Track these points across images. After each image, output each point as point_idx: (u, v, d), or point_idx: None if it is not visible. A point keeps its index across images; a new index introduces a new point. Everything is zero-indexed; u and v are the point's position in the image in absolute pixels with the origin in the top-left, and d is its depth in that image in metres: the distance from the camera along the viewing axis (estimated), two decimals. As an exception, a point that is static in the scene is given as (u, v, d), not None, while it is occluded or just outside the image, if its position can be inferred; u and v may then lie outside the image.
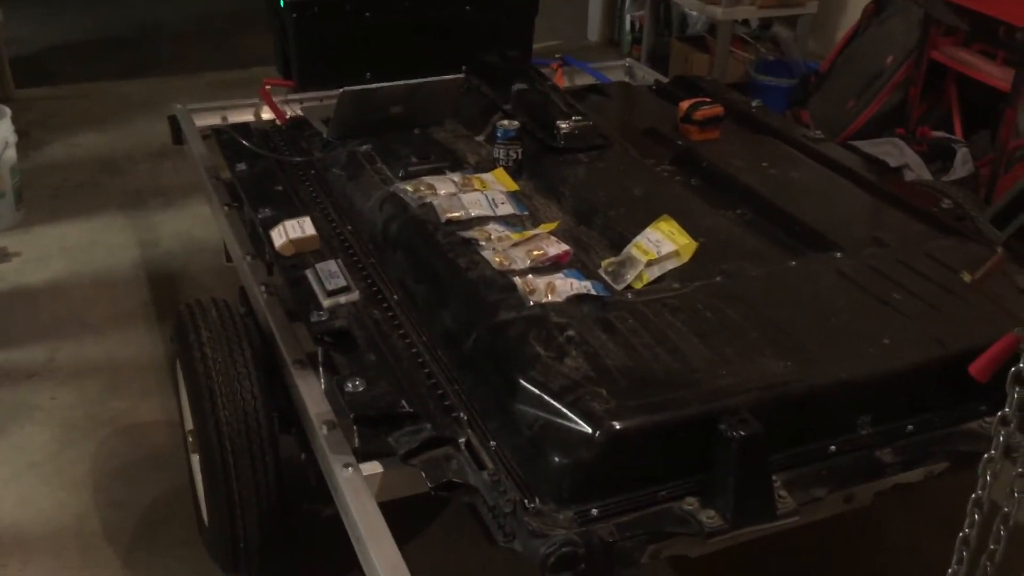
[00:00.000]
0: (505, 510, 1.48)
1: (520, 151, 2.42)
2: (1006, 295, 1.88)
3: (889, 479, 1.64)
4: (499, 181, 2.31)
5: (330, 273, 1.99)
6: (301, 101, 3.08)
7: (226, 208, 2.60)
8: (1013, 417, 1.25)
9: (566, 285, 1.85)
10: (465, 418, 1.66)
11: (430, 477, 1.56)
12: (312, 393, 1.89)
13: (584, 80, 3.52)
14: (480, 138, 2.64)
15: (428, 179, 2.28)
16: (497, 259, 1.94)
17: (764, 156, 2.50)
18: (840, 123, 3.98)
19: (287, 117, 2.96)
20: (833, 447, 1.62)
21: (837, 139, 3.31)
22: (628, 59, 3.83)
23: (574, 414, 1.51)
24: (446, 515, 2.36)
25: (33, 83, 5.11)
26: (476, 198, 2.18)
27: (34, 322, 3.16)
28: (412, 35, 3.21)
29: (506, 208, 2.17)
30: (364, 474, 1.71)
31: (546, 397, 1.56)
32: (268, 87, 3.05)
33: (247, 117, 3.09)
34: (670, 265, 1.95)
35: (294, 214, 2.22)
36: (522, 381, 1.60)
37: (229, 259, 2.69)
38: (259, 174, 2.54)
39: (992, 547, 1.29)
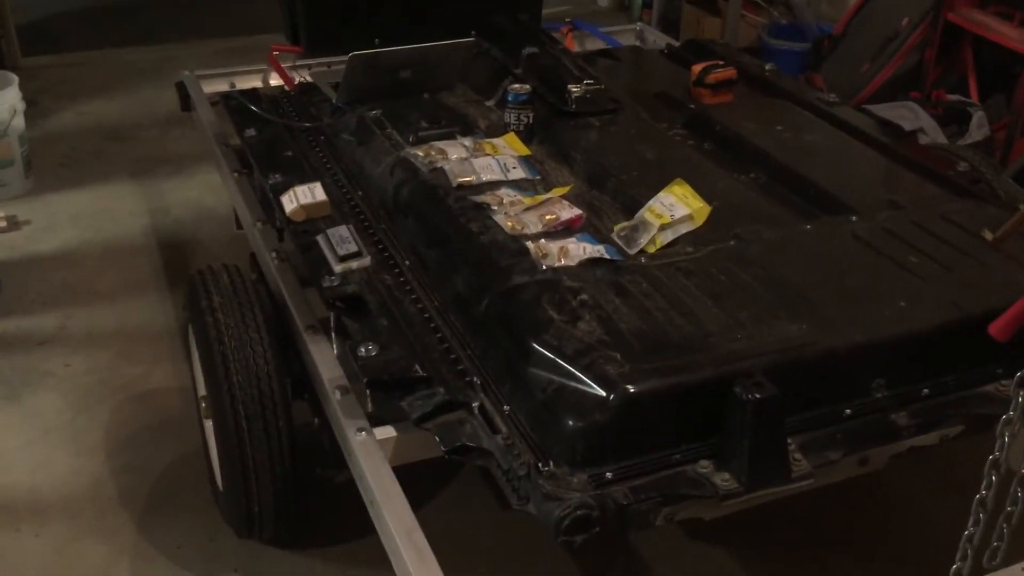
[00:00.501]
0: (519, 473, 1.48)
1: (531, 115, 2.40)
2: (1025, 256, 1.86)
3: (904, 442, 1.64)
4: (510, 146, 2.29)
5: (341, 238, 1.98)
6: (310, 67, 3.06)
7: (236, 174, 2.59)
8: (1032, 378, 1.24)
9: (579, 249, 1.84)
10: (478, 382, 1.66)
11: (444, 441, 1.56)
12: (325, 358, 1.89)
13: (595, 45, 3.48)
14: (491, 103, 2.62)
15: (439, 144, 2.26)
16: (509, 223, 1.93)
17: (778, 119, 2.47)
18: (854, 87, 3.94)
19: (296, 83, 2.94)
20: (848, 410, 1.62)
21: (851, 103, 3.27)
22: (639, 23, 3.79)
23: (588, 378, 1.51)
24: (459, 479, 2.36)
25: (40, 51, 5.08)
26: (487, 163, 2.16)
27: (45, 290, 3.16)
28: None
29: (518, 173, 2.15)
30: (378, 438, 1.71)
31: (560, 361, 1.55)
32: (276, 53, 3.03)
33: (255, 83, 3.07)
34: (683, 229, 1.93)
35: (304, 180, 2.20)
36: (535, 345, 1.59)
37: (239, 226, 2.68)
38: (269, 140, 2.53)
39: (1009, 509, 1.29)
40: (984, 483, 1.28)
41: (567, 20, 3.59)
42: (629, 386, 1.49)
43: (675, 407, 1.52)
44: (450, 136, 2.33)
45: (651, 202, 1.97)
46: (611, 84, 2.60)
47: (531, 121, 2.39)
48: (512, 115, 2.39)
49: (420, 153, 2.22)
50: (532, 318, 1.66)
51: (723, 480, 1.48)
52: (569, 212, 1.97)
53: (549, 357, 1.56)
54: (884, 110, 3.41)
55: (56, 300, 3.11)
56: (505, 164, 2.16)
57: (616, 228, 1.96)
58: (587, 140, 2.36)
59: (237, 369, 1.89)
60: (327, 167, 2.41)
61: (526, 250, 1.84)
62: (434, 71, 2.65)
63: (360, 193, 2.27)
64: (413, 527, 1.51)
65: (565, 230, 1.94)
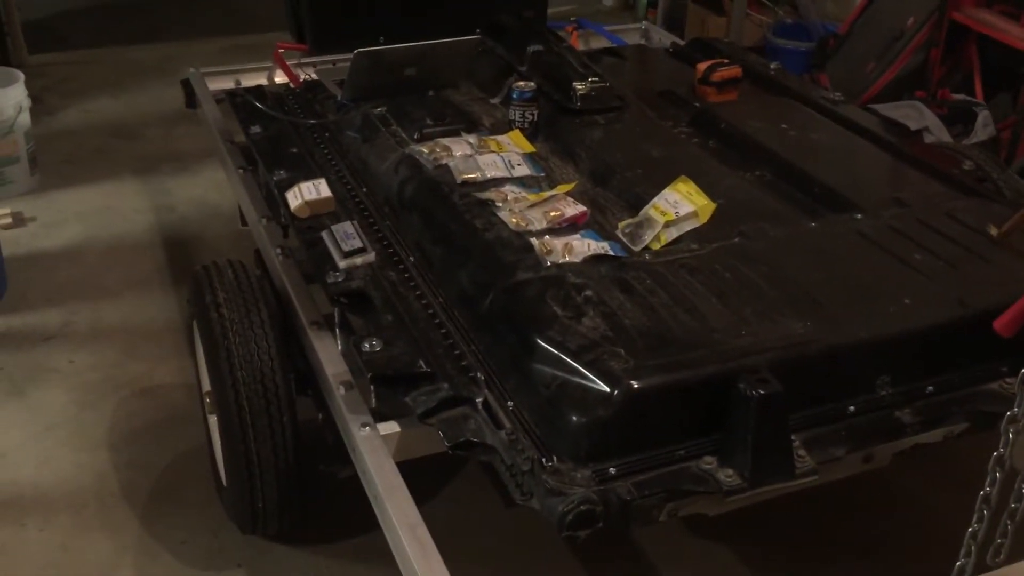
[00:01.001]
0: (523, 468, 1.48)
1: (536, 113, 2.40)
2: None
3: (908, 439, 1.64)
4: (515, 143, 2.29)
5: (346, 234, 1.98)
6: (314, 64, 3.06)
7: (241, 171, 2.60)
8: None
9: (583, 246, 1.84)
10: (482, 378, 1.66)
11: (447, 436, 1.56)
12: (329, 354, 1.90)
13: (599, 43, 3.49)
14: (495, 100, 2.62)
15: (444, 141, 2.27)
16: (514, 220, 1.93)
17: (783, 117, 2.47)
18: (859, 86, 3.94)
19: (301, 80, 2.94)
20: (852, 407, 1.62)
21: (856, 102, 3.27)
22: (644, 22, 3.79)
23: (592, 373, 1.51)
24: (463, 475, 2.37)
25: (45, 49, 5.09)
26: (492, 159, 2.16)
27: (50, 286, 3.17)
28: (426, -3, 3.18)
29: (522, 169, 2.15)
30: (381, 434, 1.71)
31: (564, 356, 1.55)
32: (281, 51, 3.03)
33: (260, 81, 3.07)
34: (688, 226, 1.93)
35: (309, 176, 2.20)
36: (540, 341, 1.59)
37: (244, 223, 2.69)
38: (274, 137, 2.53)
39: (1013, 505, 1.29)
40: (988, 480, 1.28)
41: (572, 19, 3.59)
42: (633, 382, 1.49)
43: (679, 403, 1.52)
44: (455, 133, 2.34)
45: (656, 199, 1.97)
46: (616, 82, 2.60)
47: (536, 118, 2.40)
48: (517, 112, 2.39)
49: (425, 150, 2.22)
50: (536, 314, 1.66)
51: (727, 476, 1.48)
52: (574, 209, 1.97)
53: (553, 353, 1.56)
54: (889, 109, 3.41)
55: (61, 296, 3.12)
56: (510, 161, 2.17)
57: (620, 225, 1.96)
58: (592, 137, 2.36)
59: (241, 364, 1.89)
60: (332, 164, 2.41)
61: (530, 246, 1.84)
62: (439, 68, 2.65)
63: (365, 190, 2.28)
64: (417, 522, 1.51)
65: (569, 227, 1.94)
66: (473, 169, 2.12)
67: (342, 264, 1.93)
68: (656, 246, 1.89)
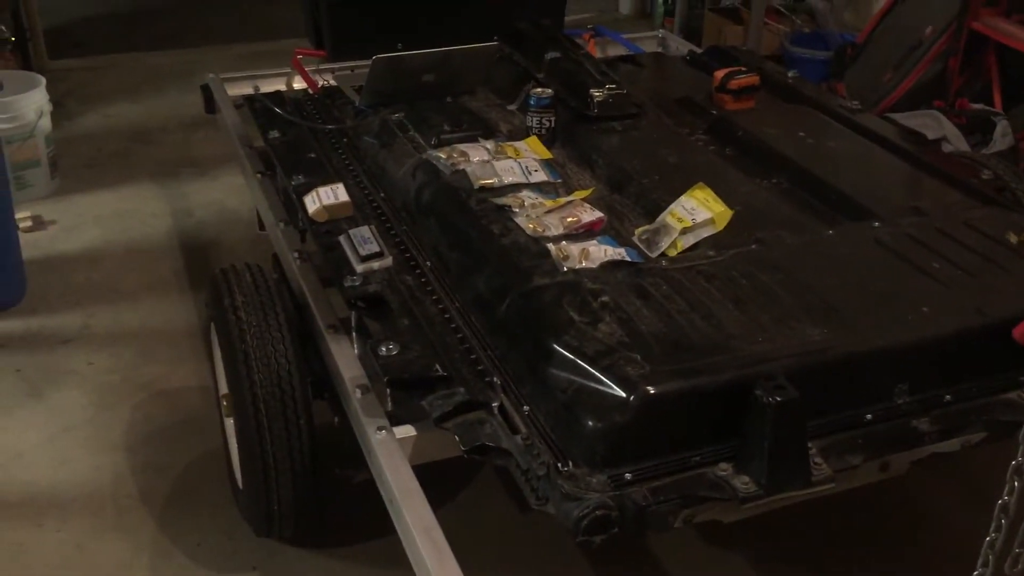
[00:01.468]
0: (538, 473, 1.48)
1: (553, 119, 2.40)
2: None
3: (926, 448, 1.63)
4: (532, 149, 2.29)
5: (363, 239, 1.99)
6: (333, 70, 3.08)
7: (259, 176, 2.61)
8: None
9: (600, 252, 1.85)
10: (498, 383, 1.66)
11: (463, 440, 1.57)
12: (346, 357, 1.90)
13: (616, 51, 3.49)
14: (513, 107, 2.63)
15: (461, 146, 2.27)
16: (531, 226, 1.94)
17: (800, 126, 2.47)
18: (877, 95, 3.93)
19: (319, 86, 2.96)
20: (869, 415, 1.61)
21: (874, 111, 3.26)
22: (661, 30, 3.80)
23: (608, 379, 1.51)
24: (478, 480, 2.37)
25: (66, 54, 5.14)
26: (509, 165, 2.17)
27: (69, 289, 3.20)
28: (444, 4, 3.19)
29: (539, 176, 2.16)
30: (397, 437, 1.71)
31: (580, 362, 1.55)
32: (300, 57, 3.05)
33: (279, 87, 3.10)
34: (705, 233, 1.93)
35: (327, 181, 2.22)
36: (556, 346, 1.59)
37: (262, 227, 2.71)
38: (292, 142, 2.55)
39: (1032, 515, 1.28)
40: (1006, 489, 1.27)
41: (589, 26, 3.60)
42: (649, 387, 1.48)
43: (695, 409, 1.52)
44: (472, 139, 2.34)
45: (672, 206, 1.97)
46: (633, 89, 2.61)
47: (553, 125, 2.40)
48: (534, 119, 2.40)
49: (442, 155, 2.23)
50: (553, 319, 1.66)
51: (743, 483, 1.47)
52: (590, 215, 1.97)
53: (569, 358, 1.57)
54: (907, 119, 3.40)
55: (80, 299, 3.14)
56: (527, 167, 2.17)
57: (637, 232, 1.96)
58: (609, 144, 2.36)
59: (259, 367, 1.90)
60: (350, 169, 2.43)
61: (547, 252, 1.85)
62: (457, 75, 2.67)
63: (382, 194, 2.29)
64: (432, 525, 1.51)
65: (586, 233, 1.94)
66: (490, 175, 2.13)
67: (359, 268, 1.94)
68: (673, 252, 1.89)
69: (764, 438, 1.46)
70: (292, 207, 2.32)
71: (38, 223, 3.55)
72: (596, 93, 2.49)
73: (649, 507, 1.43)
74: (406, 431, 1.74)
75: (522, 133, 2.41)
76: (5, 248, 3.07)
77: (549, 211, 1.99)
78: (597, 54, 3.35)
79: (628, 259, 1.83)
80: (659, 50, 3.54)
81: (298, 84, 3.07)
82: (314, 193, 2.15)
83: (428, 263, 2.00)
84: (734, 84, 2.68)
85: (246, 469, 2.02)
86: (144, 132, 4.33)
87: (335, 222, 2.11)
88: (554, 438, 1.53)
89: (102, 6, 5.91)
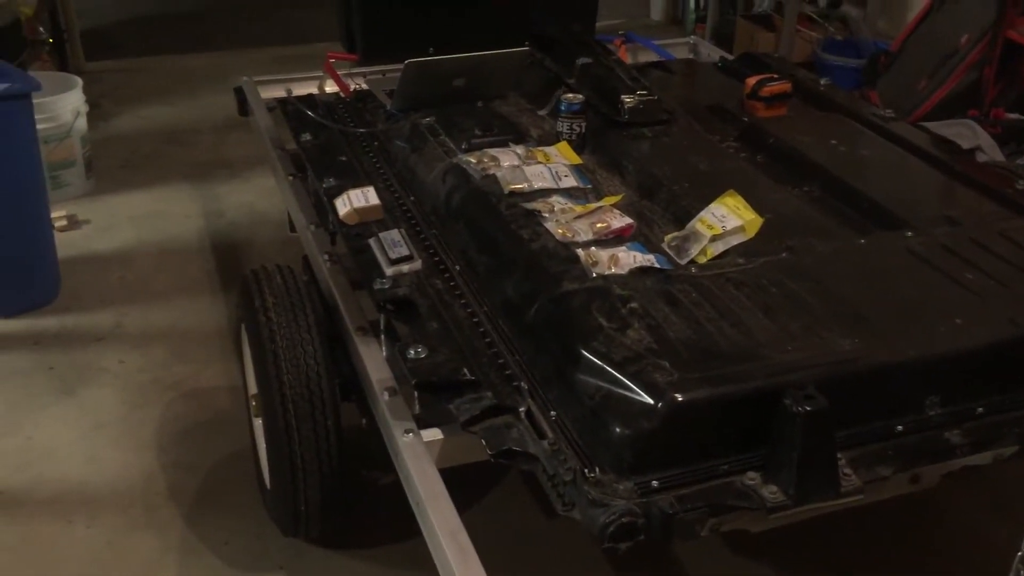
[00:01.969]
0: (565, 479, 1.48)
1: (584, 125, 2.40)
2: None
3: (957, 461, 1.61)
4: (562, 154, 2.30)
5: (393, 242, 2.00)
6: (365, 75, 3.10)
7: (290, 178, 2.64)
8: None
9: (629, 258, 1.84)
10: (526, 387, 1.66)
11: (490, 445, 1.56)
12: (374, 360, 1.91)
13: (648, 57, 3.49)
14: (543, 112, 2.63)
15: (491, 151, 2.28)
16: (560, 231, 1.94)
17: (833, 133, 2.45)
18: (910, 104, 3.89)
19: (351, 90, 2.98)
20: (900, 426, 1.59)
21: (908, 120, 3.23)
22: (693, 36, 3.78)
23: (636, 385, 1.51)
24: (504, 484, 2.37)
25: (103, 56, 5.22)
26: (539, 170, 2.17)
27: (102, 288, 3.24)
28: (476, 9, 3.20)
29: (569, 181, 2.16)
30: (425, 440, 1.72)
31: (608, 368, 1.55)
32: (332, 60, 3.07)
33: (311, 90, 3.12)
34: (735, 240, 1.92)
35: (358, 184, 2.23)
36: (584, 351, 1.59)
37: (292, 229, 2.72)
38: (324, 145, 2.57)
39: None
40: None
41: (620, 32, 3.60)
42: (677, 395, 1.48)
43: (723, 417, 1.51)
44: (502, 144, 2.35)
45: (702, 213, 1.97)
46: (664, 95, 2.60)
47: (583, 130, 2.40)
48: (564, 124, 2.40)
49: (472, 160, 2.23)
50: (581, 325, 1.66)
51: (771, 492, 1.46)
52: (620, 221, 1.97)
53: (597, 364, 1.56)
54: (941, 127, 3.35)
55: (113, 298, 3.18)
56: (557, 172, 2.17)
57: (667, 238, 1.95)
58: (639, 150, 2.36)
59: (288, 368, 1.91)
60: (380, 172, 2.44)
61: (576, 257, 1.85)
62: (488, 80, 2.67)
63: (412, 198, 2.30)
64: (458, 529, 1.52)
65: (615, 239, 1.94)
66: (520, 180, 2.13)
67: (389, 271, 1.95)
68: (702, 260, 1.89)
69: (793, 448, 1.45)
70: (323, 210, 2.34)
71: (73, 222, 3.60)
72: (627, 99, 2.48)
73: (676, 515, 1.42)
74: (433, 434, 1.74)
75: (552, 138, 2.41)
76: (40, 247, 3.12)
77: (579, 216, 1.99)
78: (628, 60, 3.35)
79: (657, 265, 1.82)
80: (690, 56, 3.53)
81: (330, 88, 3.09)
82: (345, 196, 2.16)
83: (457, 267, 2.01)
84: (766, 91, 2.67)
85: (274, 469, 2.04)
86: (178, 133, 4.38)
87: (365, 225, 2.12)
88: (581, 444, 1.53)
89: (138, 9, 5.99)
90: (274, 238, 3.47)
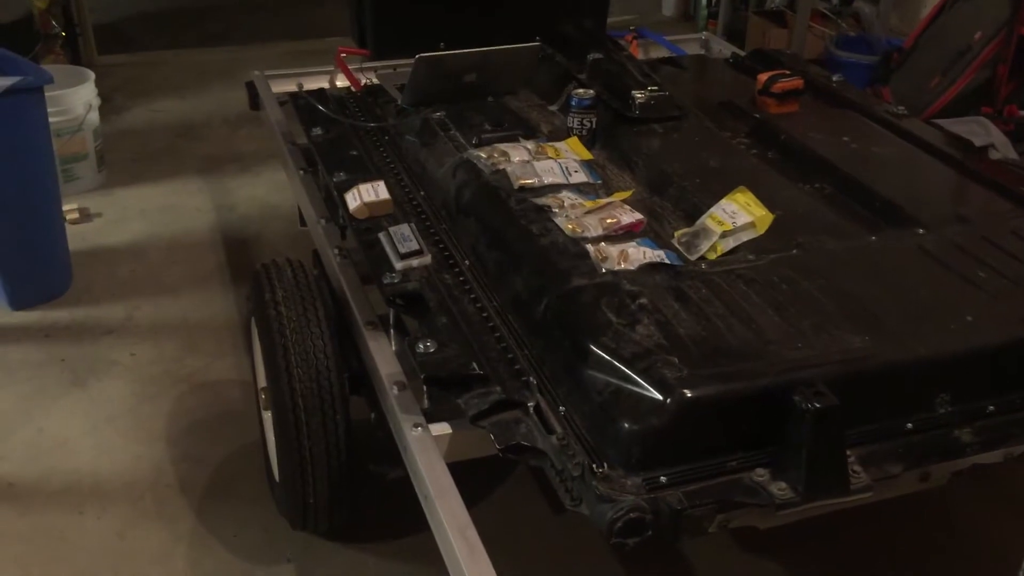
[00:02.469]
0: (573, 474, 1.48)
1: (594, 120, 2.40)
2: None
3: (967, 459, 1.60)
4: (573, 150, 2.29)
5: (403, 236, 2.00)
6: (375, 69, 3.10)
7: (301, 172, 2.64)
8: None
9: (639, 253, 1.84)
10: (535, 383, 1.66)
11: (498, 439, 1.57)
12: (383, 354, 1.91)
13: (659, 53, 3.48)
14: (554, 108, 2.63)
15: (501, 146, 2.28)
16: (570, 226, 1.93)
17: (844, 130, 2.44)
18: (923, 101, 3.87)
19: (362, 84, 2.98)
20: (910, 424, 1.59)
21: (920, 117, 3.22)
22: (704, 32, 3.77)
23: (645, 381, 1.51)
24: (513, 479, 2.37)
25: (115, 50, 5.23)
26: (549, 166, 2.17)
27: (114, 281, 3.25)
28: (487, 4, 3.20)
29: (579, 176, 2.16)
30: (433, 435, 1.72)
31: (617, 363, 1.55)
32: (343, 55, 3.07)
33: (322, 84, 3.12)
34: (745, 237, 1.92)
35: (368, 179, 2.23)
36: (593, 347, 1.59)
37: (303, 223, 2.73)
38: (334, 139, 2.57)
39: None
40: None
41: (632, 28, 3.59)
42: (686, 391, 1.48)
43: (732, 414, 1.51)
44: (513, 139, 2.35)
45: (713, 209, 1.96)
46: (675, 91, 2.59)
47: (594, 126, 2.40)
48: (575, 120, 2.39)
49: (483, 155, 2.23)
50: (590, 320, 1.66)
51: (779, 489, 1.46)
52: (630, 217, 1.96)
53: (606, 359, 1.57)
54: (954, 125, 3.34)
55: (124, 291, 3.19)
56: (567, 168, 2.17)
57: (677, 234, 1.95)
58: (650, 146, 2.35)
59: (298, 362, 1.92)
60: (391, 167, 2.44)
61: (586, 253, 1.85)
62: (498, 75, 2.67)
63: (422, 193, 2.30)
64: (466, 524, 1.52)
65: (625, 234, 1.93)
66: (530, 175, 2.13)
67: (398, 266, 1.95)
68: (712, 256, 1.88)
69: (802, 445, 1.45)
70: (333, 204, 2.34)
71: (84, 215, 3.62)
72: (638, 95, 2.48)
73: (684, 511, 1.42)
74: (442, 428, 1.75)
75: (563, 134, 2.41)
76: (52, 239, 3.13)
77: (588, 212, 1.99)
78: (639, 56, 3.34)
79: (667, 261, 1.82)
80: (702, 52, 3.52)
81: (341, 82, 3.09)
82: (355, 190, 2.17)
83: (467, 262, 2.01)
84: (777, 87, 2.66)
85: (283, 462, 2.04)
86: (189, 128, 4.39)
87: (375, 219, 2.12)
88: (589, 439, 1.53)
89: (150, 4, 6.00)
90: (284, 232, 3.48)
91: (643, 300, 1.69)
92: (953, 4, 3.99)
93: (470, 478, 1.70)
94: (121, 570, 2.17)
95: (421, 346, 1.72)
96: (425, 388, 1.71)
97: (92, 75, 3.80)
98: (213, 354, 2.88)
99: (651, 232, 1.96)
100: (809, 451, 1.44)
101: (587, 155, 2.28)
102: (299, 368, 1.91)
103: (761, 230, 1.93)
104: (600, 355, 1.58)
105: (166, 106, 4.63)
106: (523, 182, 2.11)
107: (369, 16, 3.17)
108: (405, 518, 2.13)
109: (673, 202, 2.11)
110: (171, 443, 2.54)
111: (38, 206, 3.04)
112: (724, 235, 1.90)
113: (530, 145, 2.29)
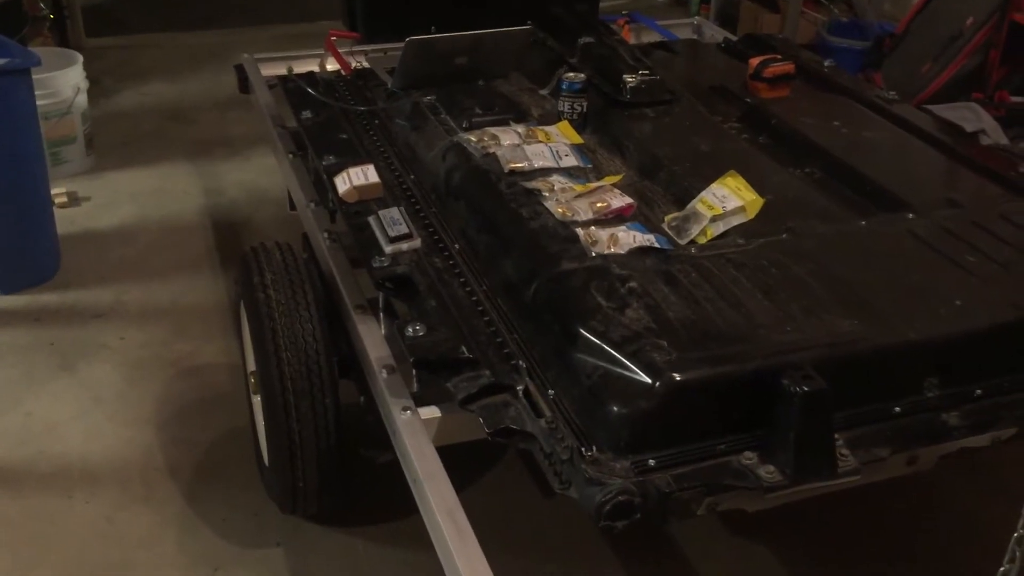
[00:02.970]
0: (562, 457, 1.48)
1: (585, 104, 2.39)
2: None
3: (955, 443, 1.61)
4: (563, 134, 2.29)
5: (393, 220, 2.00)
6: (366, 52, 3.08)
7: (291, 156, 2.63)
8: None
9: (629, 237, 1.84)
10: (524, 366, 1.66)
11: (487, 423, 1.57)
12: (372, 337, 1.91)
13: (651, 38, 3.46)
14: (545, 91, 2.62)
15: (492, 130, 2.27)
16: (560, 210, 1.93)
17: (835, 115, 2.44)
18: (915, 86, 3.87)
19: (352, 68, 2.97)
20: (898, 408, 1.59)
21: (912, 103, 3.22)
22: (697, 17, 3.76)
23: (634, 364, 1.51)
24: (502, 463, 2.37)
25: (104, 33, 5.19)
26: (540, 150, 2.16)
27: (103, 265, 3.24)
28: (479, -13, 3.18)
29: (570, 160, 2.15)
30: (422, 418, 1.72)
31: (606, 347, 1.55)
32: (334, 38, 3.05)
33: (312, 68, 3.09)
34: (735, 221, 1.92)
35: (358, 162, 2.22)
36: (583, 331, 1.59)
37: (292, 207, 2.72)
38: (324, 122, 2.56)
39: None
40: (1021, 522, 1.25)
41: (624, 12, 3.58)
42: (675, 374, 1.48)
43: (721, 397, 1.51)
44: (503, 123, 2.34)
45: (703, 193, 1.96)
46: (667, 75, 2.59)
47: (584, 110, 2.39)
48: (566, 103, 2.39)
49: (473, 138, 2.23)
50: (580, 304, 1.66)
51: (767, 472, 1.46)
52: (620, 200, 1.96)
53: (596, 343, 1.56)
54: (945, 110, 3.35)
55: (113, 275, 3.18)
56: (557, 151, 2.17)
57: (667, 218, 1.95)
58: (640, 130, 2.35)
59: (286, 345, 1.91)
60: (381, 150, 2.43)
61: (576, 237, 1.84)
62: (489, 58, 2.66)
63: (412, 176, 2.29)
64: (455, 506, 1.52)
65: (615, 218, 1.93)
66: (520, 159, 2.13)
67: (388, 249, 1.95)
68: (702, 240, 1.88)
69: (790, 428, 1.45)
70: (323, 187, 2.33)
71: (73, 199, 3.59)
72: (629, 79, 2.47)
73: (672, 494, 1.42)
74: (431, 412, 1.75)
75: (553, 118, 2.40)
76: (40, 223, 3.12)
77: (579, 196, 1.98)
78: (631, 40, 3.33)
79: (657, 245, 1.82)
80: (694, 37, 3.50)
81: (331, 65, 3.08)
82: (345, 174, 2.16)
83: (456, 245, 2.00)
84: (769, 72, 2.66)
85: (272, 446, 2.04)
86: (179, 111, 4.37)
87: (365, 203, 2.11)
88: (578, 423, 1.53)
89: (139, -14, 5.96)
90: (274, 216, 3.46)
91: (633, 284, 1.69)
92: (945, -11, 3.99)
93: (459, 461, 1.70)
94: (110, 554, 2.17)
95: (410, 330, 1.72)
96: (414, 372, 1.71)
97: (80, 57, 3.78)
98: (202, 338, 2.87)
99: (641, 216, 1.96)
100: (797, 434, 1.44)
101: (577, 139, 2.27)
102: (288, 352, 1.91)
103: (751, 214, 1.93)
104: (589, 339, 1.57)
105: (155, 89, 4.60)
106: (513, 166, 2.10)
107: (359, -1, 3.15)
108: (395, 501, 2.13)
109: (663, 186, 2.10)
110: (160, 427, 2.53)
111: (26, 190, 3.02)
112: (714, 219, 1.90)
113: (520, 129, 2.28)
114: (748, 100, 2.54)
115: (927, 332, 1.62)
